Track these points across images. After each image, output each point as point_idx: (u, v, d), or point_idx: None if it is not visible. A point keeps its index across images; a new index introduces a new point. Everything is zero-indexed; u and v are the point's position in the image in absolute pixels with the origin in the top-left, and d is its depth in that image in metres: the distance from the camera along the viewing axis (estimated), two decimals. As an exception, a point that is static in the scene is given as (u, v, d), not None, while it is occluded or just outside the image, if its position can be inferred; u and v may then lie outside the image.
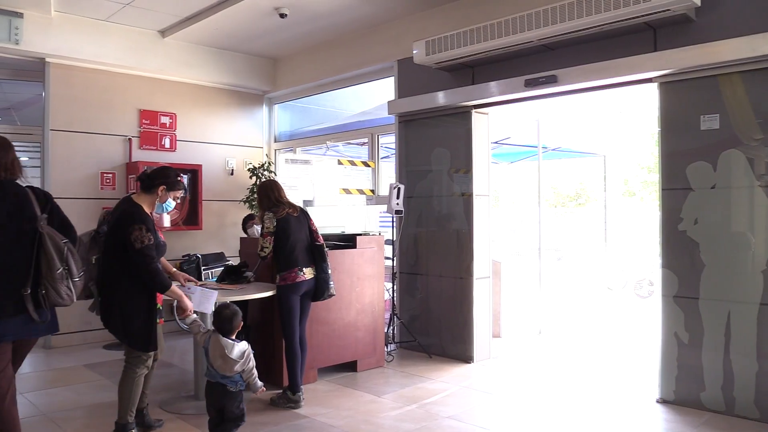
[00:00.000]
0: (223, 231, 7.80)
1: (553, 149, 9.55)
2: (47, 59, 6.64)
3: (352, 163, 6.66)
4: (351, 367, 5.61)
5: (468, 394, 4.97)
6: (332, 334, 5.38)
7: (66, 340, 6.71)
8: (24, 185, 3.29)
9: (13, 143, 3.48)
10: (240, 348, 3.54)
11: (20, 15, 6.26)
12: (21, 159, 3.54)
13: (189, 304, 3.89)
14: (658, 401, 4.68)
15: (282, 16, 6.40)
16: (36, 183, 7.18)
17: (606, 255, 10.87)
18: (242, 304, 4.64)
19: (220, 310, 3.69)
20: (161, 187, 3.92)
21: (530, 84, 5.19)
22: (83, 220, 6.83)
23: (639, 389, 5.05)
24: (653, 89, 4.74)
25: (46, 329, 3.35)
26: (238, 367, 3.50)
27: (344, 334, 5.48)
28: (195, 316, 3.85)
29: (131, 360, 3.89)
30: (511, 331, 7.05)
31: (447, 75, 6.11)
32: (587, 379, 5.43)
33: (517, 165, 10.70)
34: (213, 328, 3.68)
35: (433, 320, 6.24)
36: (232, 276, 4.96)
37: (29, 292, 3.13)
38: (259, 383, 3.62)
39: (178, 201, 4.29)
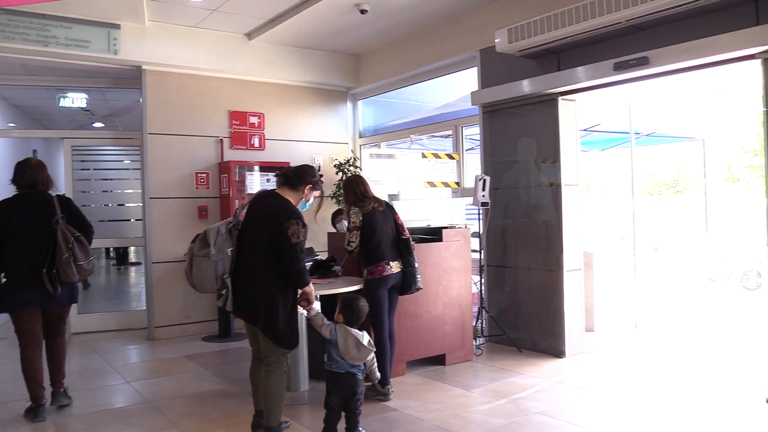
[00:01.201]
0: (312, 226, 7.92)
1: (647, 135, 9.12)
2: (143, 67, 6.99)
3: (437, 156, 6.61)
4: (439, 360, 5.59)
5: (560, 390, 4.84)
6: (420, 328, 5.38)
7: (168, 333, 7.06)
8: (54, 194, 4.50)
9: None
10: (367, 337, 3.73)
11: (117, 26, 6.64)
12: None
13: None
14: (768, 401, 4.39)
15: (362, 12, 6.44)
16: (137, 185, 7.63)
17: (707, 245, 10.28)
18: (330, 298, 4.72)
19: (350, 302, 3.81)
20: (308, 186, 3.88)
21: (620, 67, 4.96)
22: (179, 218, 7.21)
23: (746, 388, 4.75)
24: (756, 66, 4.42)
25: (64, 300, 4.49)
26: (371, 356, 3.70)
27: (432, 327, 5.46)
28: (318, 309, 3.87)
29: (276, 359, 3.72)
30: (606, 326, 6.79)
31: (531, 62, 5.95)
32: (688, 376, 5.16)
33: (609, 152, 10.30)
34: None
35: (523, 314, 6.12)
36: (320, 270, 5.06)
37: (45, 271, 4.26)
38: (378, 372, 3.88)
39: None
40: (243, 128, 7.64)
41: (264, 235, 3.64)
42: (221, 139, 7.50)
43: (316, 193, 3.96)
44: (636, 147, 7.48)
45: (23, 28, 6.20)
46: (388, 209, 4.88)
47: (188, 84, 7.30)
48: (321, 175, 4.08)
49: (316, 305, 3.99)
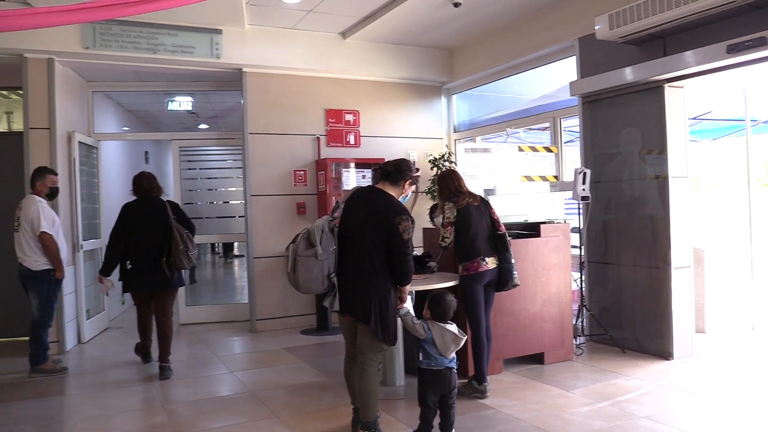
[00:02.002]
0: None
1: (765, 122, 8.46)
2: (244, 69, 7.26)
3: (534, 150, 6.44)
4: (537, 359, 5.45)
5: (667, 394, 4.59)
6: (517, 325, 5.26)
7: (268, 325, 7.31)
8: (165, 199, 5.70)
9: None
10: (456, 327, 3.77)
11: (219, 32, 6.92)
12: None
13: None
14: None
15: (456, 5, 6.37)
16: (239, 183, 7.92)
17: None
18: (425, 294, 4.70)
19: (437, 298, 3.81)
20: (408, 181, 3.86)
21: (734, 49, 4.62)
22: (279, 215, 7.43)
23: None
24: None
25: (176, 282, 5.63)
26: (461, 343, 3.73)
27: (530, 325, 5.33)
28: (409, 308, 3.87)
29: (373, 356, 3.73)
30: (718, 327, 6.38)
31: (634, 49, 5.67)
32: (815, 381, 4.75)
33: (721, 142, 9.65)
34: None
35: (627, 313, 5.85)
36: (416, 266, 5.05)
37: (165, 259, 5.38)
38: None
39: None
40: (339, 126, 7.77)
41: (372, 232, 3.63)
42: (318, 137, 7.66)
43: (413, 188, 3.95)
44: (752, 135, 6.95)
45: (134, 37, 6.60)
46: (484, 204, 4.80)
47: (286, 84, 7.51)
48: (417, 170, 4.04)
49: (408, 303, 3.99)
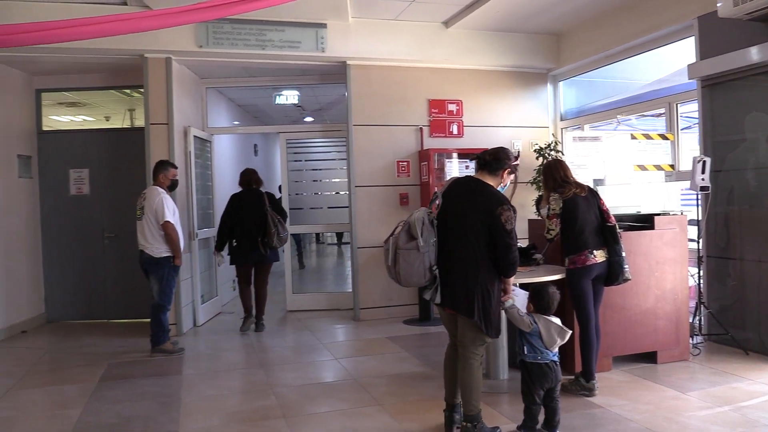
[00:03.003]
0: (510, 213, 7.80)
1: None
2: (348, 62, 7.37)
3: (648, 137, 6.11)
4: (650, 357, 5.18)
5: (798, 400, 4.23)
6: (628, 322, 5.03)
7: (371, 314, 7.41)
8: (263, 191, 7.04)
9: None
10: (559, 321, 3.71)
11: (324, 26, 7.06)
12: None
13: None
14: None
15: (565, -12, 6.14)
16: (343, 174, 8.07)
17: None
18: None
19: (539, 290, 3.76)
20: (506, 170, 3.75)
21: None
22: (382, 205, 7.50)
23: None
24: None
25: (271, 258, 6.99)
26: (567, 337, 3.68)
27: (642, 322, 5.08)
28: (512, 300, 3.79)
29: (477, 349, 3.66)
30: None
31: (761, 27, 5.22)
32: None
33: None
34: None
35: (751, 312, 5.44)
36: (520, 258, 4.93)
37: (260, 239, 6.77)
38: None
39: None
40: (442, 116, 7.72)
41: (473, 223, 3.55)
42: (421, 128, 7.65)
43: (512, 177, 3.82)
44: None
45: (244, 35, 6.86)
46: (592, 195, 4.61)
47: (389, 75, 7.55)
48: (516, 158, 3.91)
49: (522, 295, 3.90)
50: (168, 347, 6.00)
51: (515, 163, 3.81)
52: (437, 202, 3.71)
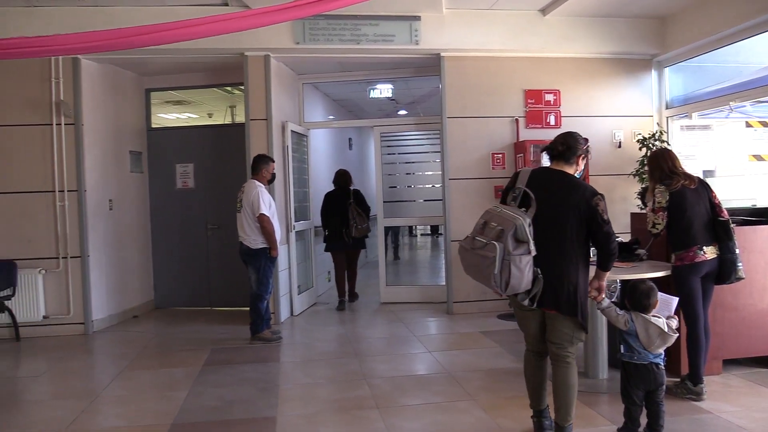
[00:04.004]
0: (611, 207, 7.42)
1: None
2: (442, 54, 7.30)
3: (765, 125, 5.68)
4: (765, 362, 4.83)
5: None
6: (741, 323, 4.70)
7: (465, 308, 7.35)
8: (351, 188, 8.11)
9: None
10: (665, 322, 3.51)
11: (418, 18, 7.03)
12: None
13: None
14: None
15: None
16: (436, 167, 8.05)
17: None
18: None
19: (633, 288, 3.60)
20: (580, 157, 3.55)
21: None
22: (476, 198, 7.39)
23: None
24: None
25: (357, 246, 8.16)
26: (671, 341, 3.48)
27: (757, 323, 4.73)
28: (609, 300, 3.61)
29: (572, 349, 3.44)
30: None
31: None
32: None
33: None
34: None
35: None
36: (622, 253, 4.71)
37: (344, 230, 7.80)
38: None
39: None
40: (538, 106, 7.51)
41: (569, 218, 3.33)
42: (516, 119, 7.48)
43: (584, 162, 3.62)
44: None
45: (339, 30, 6.95)
46: (702, 187, 4.33)
47: (484, 66, 7.42)
48: (586, 140, 3.66)
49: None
50: (266, 335, 6.21)
51: (586, 147, 3.61)
52: (515, 194, 3.46)
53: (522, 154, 7.23)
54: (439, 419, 4.06)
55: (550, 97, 7.53)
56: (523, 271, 3.26)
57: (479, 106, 7.43)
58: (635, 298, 3.58)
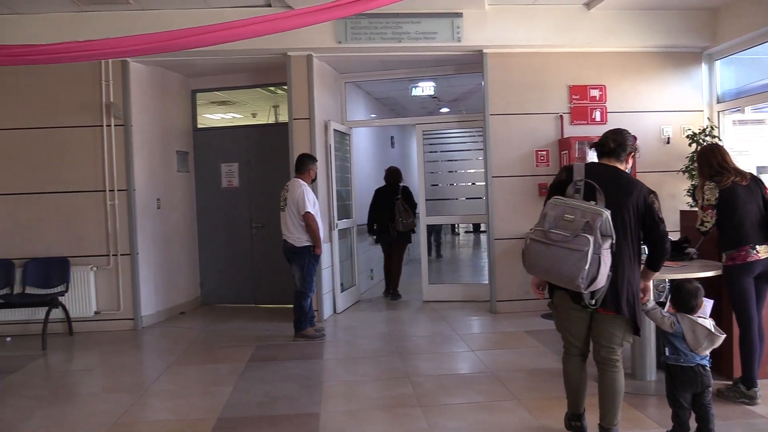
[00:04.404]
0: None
1: None
2: (484, 50, 7.24)
3: (822, 119, 5.47)
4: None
5: None
6: (797, 324, 4.53)
7: (508, 307, 7.27)
8: (401, 185, 8.49)
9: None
10: (713, 322, 3.42)
11: (460, 15, 6.99)
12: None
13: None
14: None
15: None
16: (478, 165, 8.00)
17: None
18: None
19: (678, 288, 3.52)
20: (630, 154, 3.47)
21: None
22: (520, 196, 7.32)
23: None
24: None
25: (403, 239, 8.51)
26: (719, 342, 3.39)
27: (814, 324, 4.55)
28: (654, 302, 3.55)
29: (620, 351, 3.37)
30: None
31: None
32: None
33: None
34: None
35: None
36: (671, 252, 4.60)
37: (391, 224, 8.28)
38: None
39: None
40: (583, 102, 7.38)
41: (628, 215, 3.23)
42: (561, 115, 7.37)
43: (633, 159, 3.52)
44: None
45: (381, 29, 6.96)
46: (755, 183, 4.19)
47: (527, 62, 7.33)
48: (635, 137, 3.57)
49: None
50: (310, 332, 6.27)
51: (636, 144, 3.53)
52: (577, 186, 3.29)
53: (567, 151, 7.12)
54: (482, 419, 4.04)
55: (595, 93, 7.39)
56: (608, 267, 3.12)
57: (522, 103, 7.34)
58: (682, 298, 3.49)
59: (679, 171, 7.17)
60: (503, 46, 7.20)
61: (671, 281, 4.25)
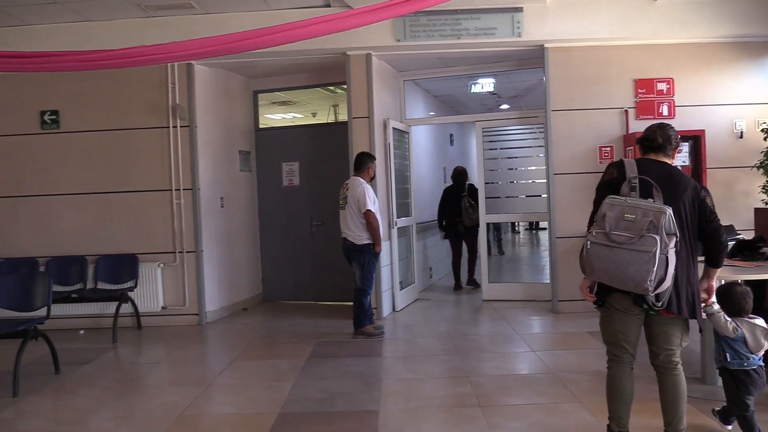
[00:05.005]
0: (731, 202, 6.98)
1: None
2: (545, 45, 7.10)
3: None
4: None
5: None
6: None
7: (570, 307, 7.10)
8: (467, 183, 9.14)
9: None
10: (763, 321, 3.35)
11: (520, 9, 6.87)
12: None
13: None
14: None
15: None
16: (539, 162, 7.86)
17: None
18: (757, 284, 4.08)
19: (725, 290, 3.41)
20: (676, 149, 3.37)
21: None
22: (583, 194, 7.05)
23: None
24: None
25: (468, 234, 8.85)
26: None
27: None
28: (718, 306, 3.40)
29: (679, 354, 3.24)
30: None
31: None
32: None
33: None
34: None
35: None
36: (745, 252, 4.41)
37: (458, 219, 8.92)
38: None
39: None
40: (650, 96, 7.13)
41: (683, 210, 3.11)
42: (626, 110, 7.15)
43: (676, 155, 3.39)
44: None
45: (440, 26, 6.92)
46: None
47: (590, 56, 7.14)
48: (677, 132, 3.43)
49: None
50: (369, 330, 6.29)
51: (679, 139, 3.40)
52: (633, 184, 3.13)
53: (632, 147, 6.89)
54: (543, 421, 3.96)
55: (662, 86, 7.13)
56: (674, 267, 3.00)
57: (586, 98, 7.16)
58: (734, 300, 3.40)
59: (753, 167, 6.84)
60: (565, 40, 7.04)
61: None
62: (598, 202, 3.26)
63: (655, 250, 2.91)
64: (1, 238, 7.29)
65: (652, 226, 2.95)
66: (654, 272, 2.91)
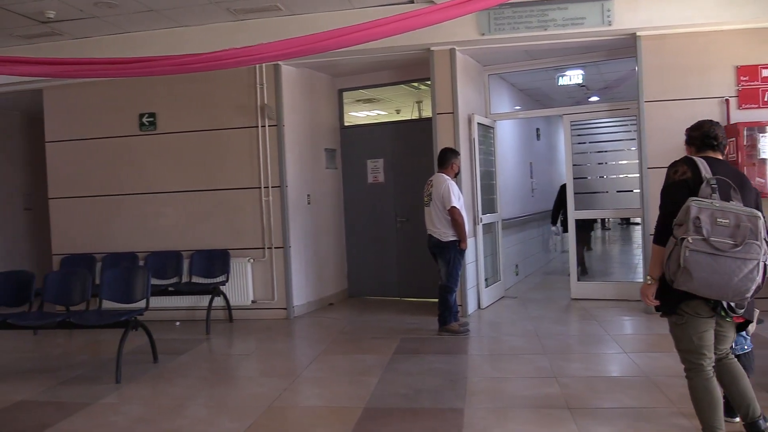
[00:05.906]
0: None
1: None
2: (638, 33, 6.79)
3: None
4: None
5: None
6: None
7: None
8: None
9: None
10: None
11: (611, -3, 6.62)
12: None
13: None
14: None
15: None
16: (632, 155, 7.54)
17: None
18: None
19: None
20: (726, 147, 3.34)
21: None
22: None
23: None
24: None
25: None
26: None
27: None
28: None
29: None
30: None
31: None
32: None
33: None
34: None
35: None
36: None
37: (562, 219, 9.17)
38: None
39: None
40: (754, 84, 6.68)
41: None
42: (726, 99, 6.73)
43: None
44: None
45: (525, 17, 6.77)
46: None
47: (686, 43, 6.77)
48: None
49: None
50: (454, 327, 6.25)
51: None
52: (713, 184, 2.96)
53: (734, 138, 6.48)
54: (636, 426, 3.79)
55: (768, 73, 6.67)
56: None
57: (682, 88, 6.79)
58: None
59: None
60: (659, 27, 6.71)
61: None
62: (676, 204, 3.01)
63: (758, 260, 2.77)
64: (106, 233, 7.77)
65: (752, 233, 2.78)
66: (757, 281, 2.78)
